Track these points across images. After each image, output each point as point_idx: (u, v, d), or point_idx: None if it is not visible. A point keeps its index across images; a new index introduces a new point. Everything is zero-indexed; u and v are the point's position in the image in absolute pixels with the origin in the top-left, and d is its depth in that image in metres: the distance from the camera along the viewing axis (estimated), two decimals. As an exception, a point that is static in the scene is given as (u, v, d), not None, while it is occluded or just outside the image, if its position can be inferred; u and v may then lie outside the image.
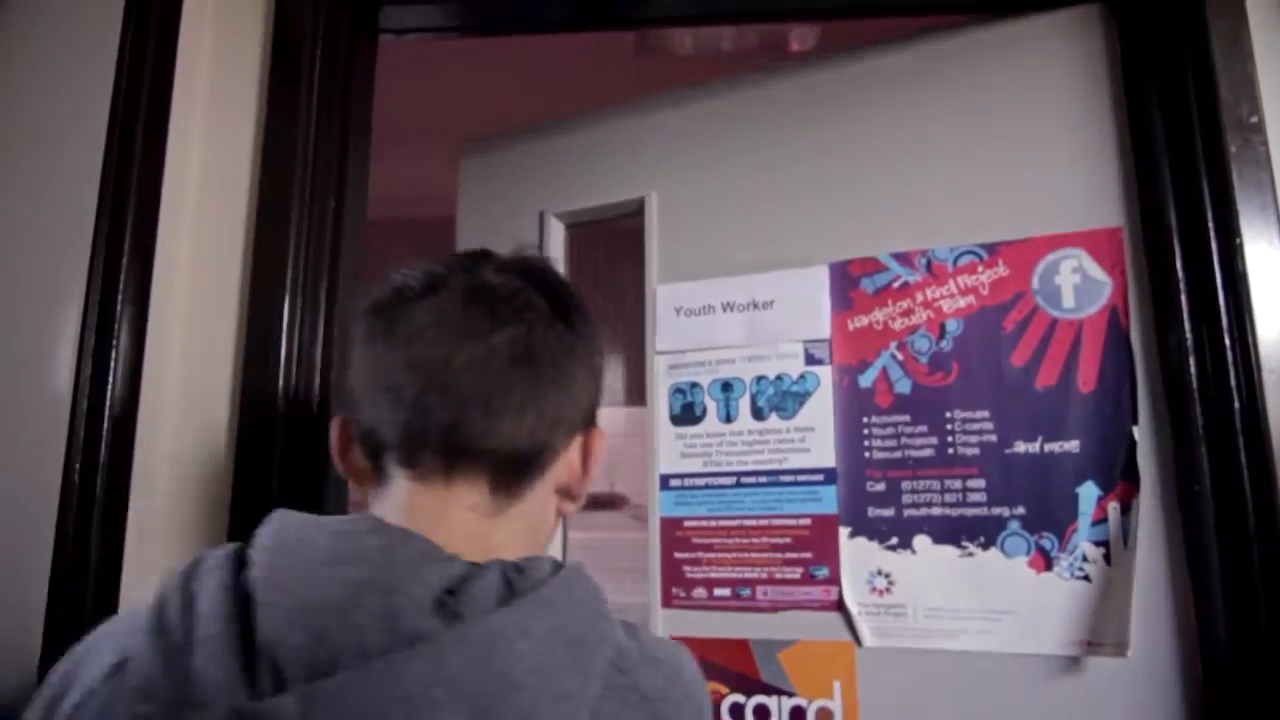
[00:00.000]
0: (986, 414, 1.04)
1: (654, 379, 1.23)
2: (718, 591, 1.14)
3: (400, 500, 0.55)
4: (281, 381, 0.98)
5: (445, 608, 0.46)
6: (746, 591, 1.13)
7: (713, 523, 1.16)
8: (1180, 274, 0.98)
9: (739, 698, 1.10)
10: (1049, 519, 1.00)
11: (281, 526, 0.51)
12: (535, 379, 0.56)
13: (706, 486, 1.18)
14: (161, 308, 0.99)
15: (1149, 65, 1.04)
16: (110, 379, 0.91)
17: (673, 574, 1.17)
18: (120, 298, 0.94)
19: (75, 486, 0.89)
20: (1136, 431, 0.98)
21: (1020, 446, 1.02)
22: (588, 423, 0.62)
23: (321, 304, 1.04)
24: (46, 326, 0.95)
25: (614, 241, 1.37)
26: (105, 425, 0.90)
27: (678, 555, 1.17)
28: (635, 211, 1.28)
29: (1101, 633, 0.96)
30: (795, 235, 1.17)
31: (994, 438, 1.04)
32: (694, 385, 1.20)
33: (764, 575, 1.12)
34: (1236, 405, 0.94)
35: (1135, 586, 0.95)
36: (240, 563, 0.49)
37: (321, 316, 1.04)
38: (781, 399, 1.15)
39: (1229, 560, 0.93)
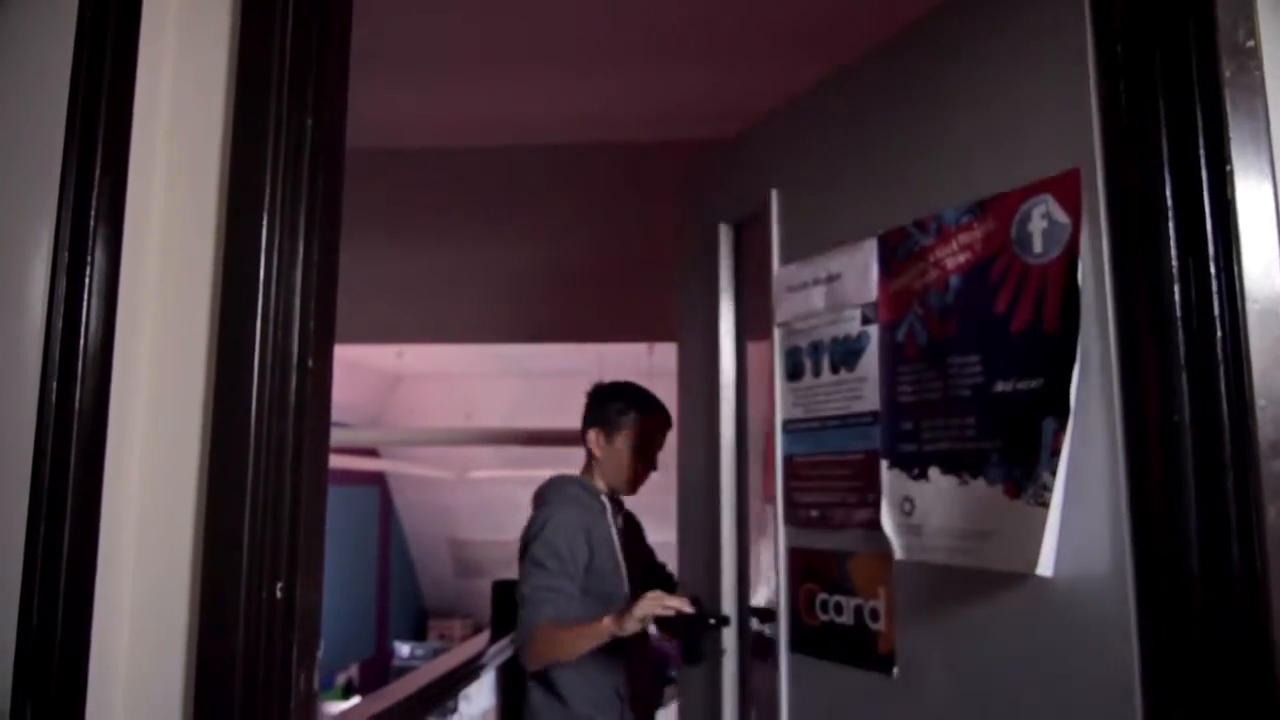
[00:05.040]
0: (976, 358, 1.15)
1: (775, 345, 1.53)
2: (813, 512, 1.43)
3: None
4: (260, 305, 0.97)
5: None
6: (828, 513, 1.40)
7: (810, 458, 1.44)
8: (1169, 202, 0.97)
9: (825, 595, 1.40)
10: (1019, 451, 1.08)
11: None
12: None
13: (806, 429, 1.46)
14: (136, 226, 0.96)
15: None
16: (85, 297, 0.90)
17: (790, 498, 1.49)
18: (94, 214, 0.91)
19: (52, 407, 0.88)
20: (1076, 369, 1.02)
21: (999, 386, 1.12)
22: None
23: (300, 226, 1.01)
24: (18, 242, 0.92)
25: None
26: (82, 344, 0.89)
27: (792, 484, 1.48)
28: (765, 210, 1.58)
29: (1032, 552, 1.04)
30: (856, 215, 1.38)
31: (981, 379, 1.14)
32: (797, 348, 1.48)
33: (837, 500, 1.38)
34: (1219, 336, 0.92)
35: (1053, 512, 1.02)
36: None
37: (301, 239, 1.01)
38: (846, 355, 1.37)
39: (1204, 490, 0.93)
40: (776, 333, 1.52)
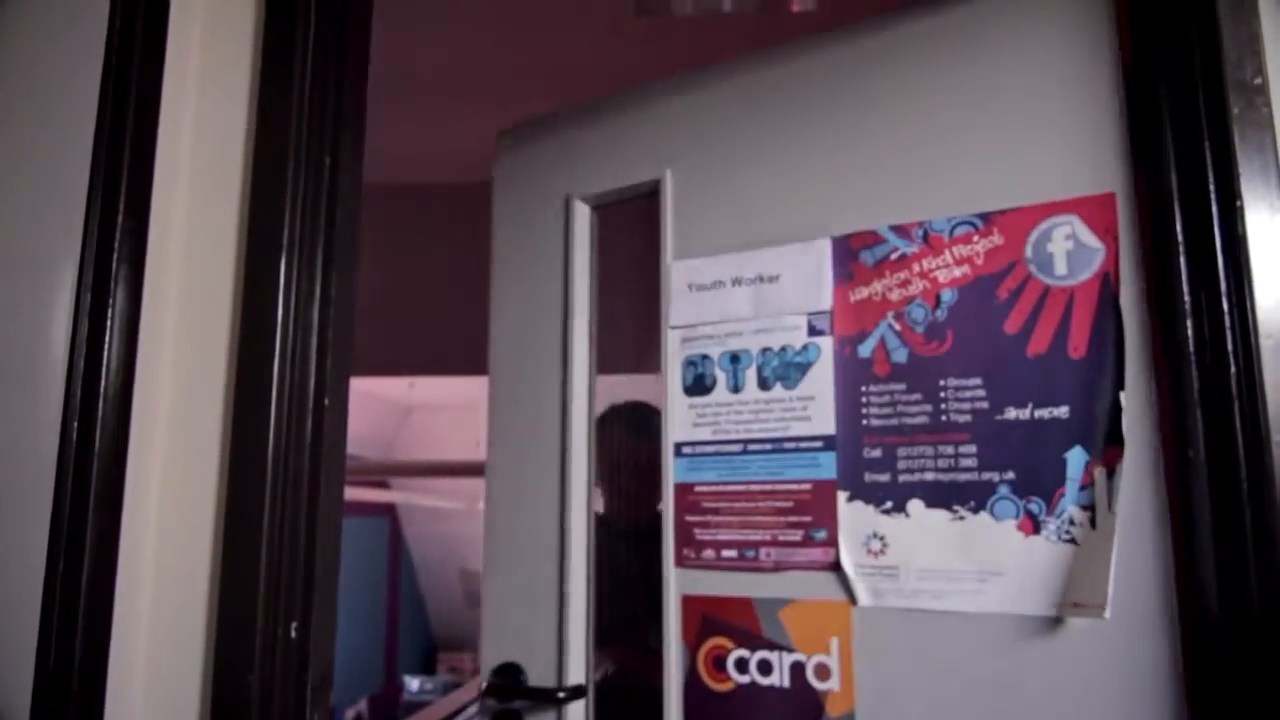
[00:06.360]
0: (979, 381, 1.08)
1: (668, 352, 1.31)
2: (725, 553, 1.23)
3: None
4: (278, 342, 0.98)
5: None
6: (751, 553, 1.20)
7: (721, 488, 1.24)
8: (1179, 237, 0.97)
9: (744, 652, 1.19)
10: (1038, 483, 1.02)
11: None
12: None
13: (716, 454, 1.25)
14: (157, 267, 0.98)
15: (1153, 24, 1.03)
16: (107, 338, 0.92)
17: (684, 535, 1.26)
18: (116, 257, 0.93)
19: (72, 445, 0.89)
20: (1123, 397, 0.99)
21: (1011, 413, 1.05)
22: None
23: (318, 264, 1.03)
24: (42, 283, 0.95)
25: (640, 221, 1.41)
26: (103, 385, 0.91)
27: (689, 518, 1.26)
28: (652, 192, 1.36)
29: (1084, 593, 0.97)
30: (800, 211, 1.23)
31: (985, 404, 1.07)
32: (705, 357, 1.28)
33: (767, 537, 1.20)
34: (1233, 370, 0.92)
35: (1115, 549, 0.96)
36: None
37: (318, 276, 1.03)
38: (785, 369, 1.21)
39: (1221, 526, 0.92)
40: (671, 337, 1.31)
